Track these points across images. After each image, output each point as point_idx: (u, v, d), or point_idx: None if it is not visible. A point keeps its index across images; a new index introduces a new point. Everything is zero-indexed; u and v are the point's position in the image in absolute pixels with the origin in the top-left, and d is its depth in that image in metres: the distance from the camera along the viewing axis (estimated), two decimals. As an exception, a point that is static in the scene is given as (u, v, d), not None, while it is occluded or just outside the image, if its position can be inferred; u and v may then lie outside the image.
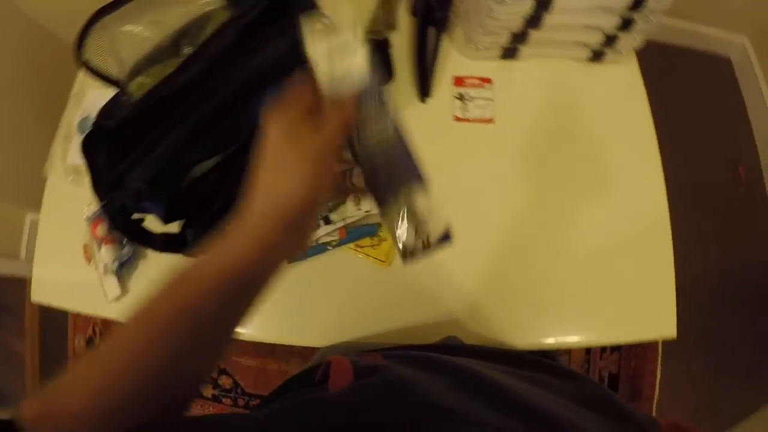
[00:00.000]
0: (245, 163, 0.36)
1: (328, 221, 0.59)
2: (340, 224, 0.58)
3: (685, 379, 1.26)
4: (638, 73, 0.70)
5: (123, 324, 0.27)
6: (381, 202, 0.33)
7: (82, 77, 0.78)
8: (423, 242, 0.32)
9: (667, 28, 1.51)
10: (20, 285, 1.46)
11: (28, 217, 1.51)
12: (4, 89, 1.39)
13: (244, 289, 0.29)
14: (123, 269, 0.64)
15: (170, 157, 0.49)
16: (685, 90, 1.56)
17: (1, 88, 1.39)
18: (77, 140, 0.81)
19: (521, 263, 0.60)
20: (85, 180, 0.59)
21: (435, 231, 0.32)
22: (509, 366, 0.34)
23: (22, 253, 1.48)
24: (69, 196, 0.73)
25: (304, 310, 0.60)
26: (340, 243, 0.59)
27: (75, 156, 0.79)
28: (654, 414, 1.21)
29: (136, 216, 0.53)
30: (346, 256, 0.60)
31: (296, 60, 0.36)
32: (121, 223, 0.52)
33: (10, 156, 1.42)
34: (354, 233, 0.59)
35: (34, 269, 0.70)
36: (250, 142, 0.39)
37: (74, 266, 0.65)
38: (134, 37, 0.61)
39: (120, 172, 0.50)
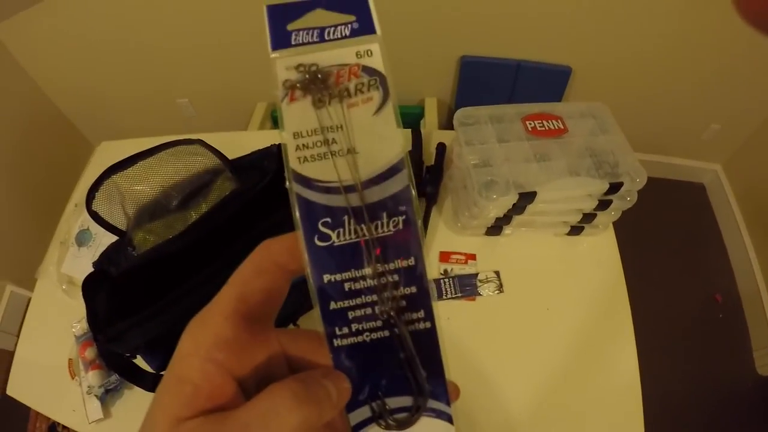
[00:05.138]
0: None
1: None
2: None
3: None
4: (614, 241, 0.74)
5: None
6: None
7: (83, 188, 0.80)
8: None
9: (643, 162, 1.63)
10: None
11: (8, 288, 1.49)
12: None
13: None
14: (108, 395, 0.64)
15: (172, 325, 0.52)
16: (662, 217, 1.65)
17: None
18: (74, 251, 0.83)
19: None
20: (78, 293, 0.57)
21: None
22: None
23: (-5, 321, 1.45)
24: (59, 304, 0.73)
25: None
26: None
27: (70, 267, 0.80)
28: None
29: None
30: None
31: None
32: (114, 363, 0.54)
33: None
34: None
35: (14, 365, 0.69)
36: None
37: (55, 375, 0.66)
38: (141, 195, 0.64)
39: (121, 329, 0.52)
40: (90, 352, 0.66)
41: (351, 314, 0.18)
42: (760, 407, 1.37)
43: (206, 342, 0.18)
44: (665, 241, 1.61)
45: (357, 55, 0.18)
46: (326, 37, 0.18)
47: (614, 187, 0.66)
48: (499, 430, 0.61)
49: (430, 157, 0.77)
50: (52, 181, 1.54)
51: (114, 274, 0.59)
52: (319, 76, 0.18)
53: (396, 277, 0.18)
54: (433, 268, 0.68)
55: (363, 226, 0.17)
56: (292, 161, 0.17)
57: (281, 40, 0.18)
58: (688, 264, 1.58)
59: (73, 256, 0.81)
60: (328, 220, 0.17)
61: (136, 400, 0.64)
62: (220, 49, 1.36)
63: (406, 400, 0.18)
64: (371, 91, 0.18)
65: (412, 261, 0.18)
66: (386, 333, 0.18)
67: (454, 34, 1.27)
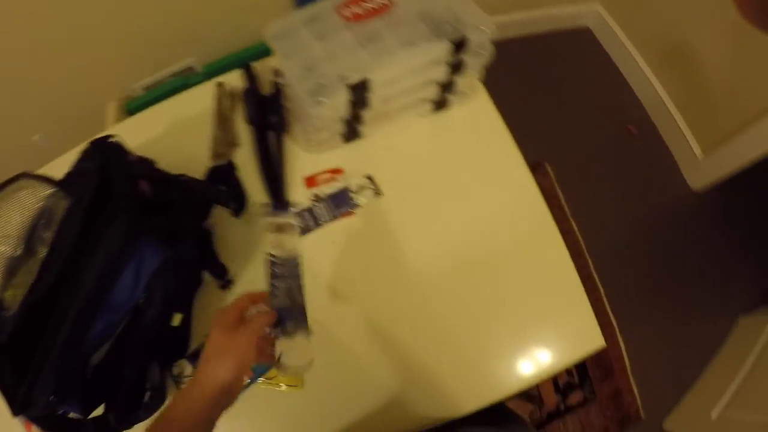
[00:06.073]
0: (137, 339, 0.53)
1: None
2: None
3: (647, 337, 1.30)
4: (489, 103, 0.71)
5: None
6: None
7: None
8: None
9: (521, 22, 1.59)
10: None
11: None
12: None
13: (201, 424, 0.44)
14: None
15: (62, 362, 0.50)
16: (555, 71, 1.63)
17: None
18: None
19: (434, 332, 0.59)
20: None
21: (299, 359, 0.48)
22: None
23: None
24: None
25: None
26: (250, 383, 0.57)
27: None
28: (633, 381, 1.24)
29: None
30: (260, 392, 0.57)
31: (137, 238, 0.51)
32: (49, 425, 0.54)
33: None
34: (258, 370, 0.57)
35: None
36: (134, 319, 0.52)
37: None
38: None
39: (24, 392, 0.50)
40: (35, 430, 0.60)
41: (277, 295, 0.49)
42: (703, 220, 1.43)
43: (227, 317, 0.46)
44: (566, 93, 1.59)
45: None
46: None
47: (459, 45, 0.61)
48: (428, 326, 0.59)
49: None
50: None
51: (3, 341, 0.54)
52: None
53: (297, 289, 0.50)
54: (302, 197, 0.64)
55: (286, 279, 0.50)
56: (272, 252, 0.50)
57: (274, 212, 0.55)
58: (595, 107, 1.59)
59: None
60: (275, 277, 0.50)
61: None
62: (48, 68, 1.20)
63: (293, 325, 0.48)
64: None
65: (299, 288, 0.50)
66: (290, 303, 0.49)
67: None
